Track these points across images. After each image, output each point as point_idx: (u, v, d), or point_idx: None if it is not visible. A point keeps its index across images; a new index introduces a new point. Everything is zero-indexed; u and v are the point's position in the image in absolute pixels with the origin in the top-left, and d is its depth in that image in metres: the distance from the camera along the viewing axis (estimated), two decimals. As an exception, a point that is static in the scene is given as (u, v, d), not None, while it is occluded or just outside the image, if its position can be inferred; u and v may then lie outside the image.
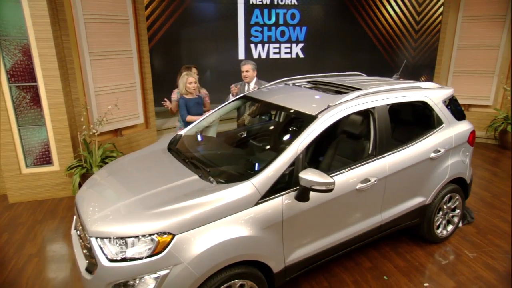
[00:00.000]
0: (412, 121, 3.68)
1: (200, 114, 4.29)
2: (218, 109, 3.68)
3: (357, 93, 2.98)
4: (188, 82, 4.22)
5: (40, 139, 4.61)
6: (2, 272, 3.28)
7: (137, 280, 2.19)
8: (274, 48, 8.62)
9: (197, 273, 2.21)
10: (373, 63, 9.45)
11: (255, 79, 4.58)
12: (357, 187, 2.82)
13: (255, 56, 8.48)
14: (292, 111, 2.99)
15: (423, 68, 9.39)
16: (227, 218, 2.33)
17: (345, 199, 2.80)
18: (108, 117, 4.91)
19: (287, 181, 2.54)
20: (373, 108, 3.01)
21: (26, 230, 4.00)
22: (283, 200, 2.50)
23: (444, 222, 3.68)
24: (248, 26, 8.26)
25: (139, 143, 5.86)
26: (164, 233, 2.20)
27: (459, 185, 3.66)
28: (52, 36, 4.28)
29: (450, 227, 3.76)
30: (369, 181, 2.88)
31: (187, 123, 4.16)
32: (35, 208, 4.50)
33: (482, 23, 7.05)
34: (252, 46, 8.43)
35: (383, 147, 3.03)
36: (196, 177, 2.63)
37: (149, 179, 2.75)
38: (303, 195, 2.49)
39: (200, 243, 2.23)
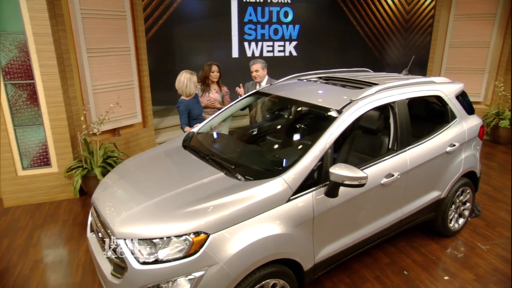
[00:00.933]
0: (427, 115, 3.69)
1: (200, 113, 4.17)
2: (230, 106, 3.60)
3: (378, 87, 2.96)
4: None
5: (38, 139, 4.39)
6: (9, 279, 3.09)
7: (170, 282, 2.09)
8: (268, 46, 8.58)
9: (233, 273, 2.12)
10: (364, 61, 9.54)
11: (266, 78, 4.46)
12: (381, 182, 2.80)
13: (249, 54, 8.42)
14: (315, 106, 2.94)
15: (413, 66, 9.53)
16: (260, 216, 2.25)
17: (371, 194, 2.78)
18: (109, 115, 4.72)
19: (316, 177, 2.49)
20: (394, 102, 3.00)
21: (27, 235, 3.80)
22: (313, 196, 2.44)
23: (456, 215, 3.72)
24: (241, 24, 8.19)
25: (137, 142, 5.69)
26: (199, 232, 2.10)
27: (470, 179, 3.70)
28: (51, 31, 4.09)
29: (461, 221, 3.80)
30: (393, 175, 2.87)
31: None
32: (33, 212, 4.28)
33: (473, 21, 7.21)
34: (246, 44, 8.36)
35: (404, 142, 3.02)
36: (221, 174, 2.54)
37: (172, 178, 2.65)
38: (333, 191, 2.45)
39: (235, 242, 2.15)
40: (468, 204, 3.81)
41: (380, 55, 9.70)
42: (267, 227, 2.25)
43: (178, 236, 2.10)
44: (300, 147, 2.83)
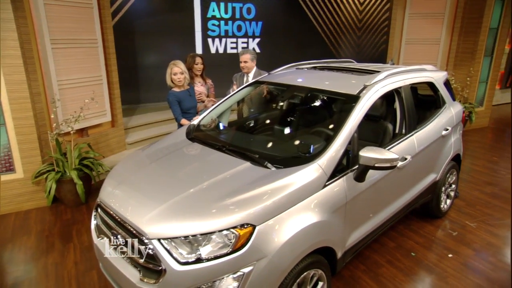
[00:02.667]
0: (421, 102, 3.82)
1: (195, 106, 3.95)
2: (230, 96, 3.43)
3: (386, 72, 2.99)
4: (173, 73, 3.78)
5: (-2, 141, 3.82)
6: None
7: (217, 282, 1.90)
8: (232, 43, 8.44)
9: (283, 266, 1.99)
10: (322, 57, 9.77)
11: (254, 69, 4.36)
12: (398, 165, 2.83)
13: (213, 51, 8.22)
14: (330, 92, 2.89)
15: (372, 62, 10.02)
16: (300, 204, 2.14)
17: (390, 178, 2.80)
18: (77, 114, 4.25)
19: (345, 163, 2.45)
20: (400, 87, 3.06)
21: (-3, 251, 3.28)
22: (344, 182, 2.39)
23: (445, 197, 3.92)
24: (204, 19, 7.96)
25: (107, 143, 5.23)
26: (244, 225, 1.93)
27: (455, 161, 3.93)
28: (13, 16, 3.58)
29: (448, 202, 4.01)
30: (406, 159, 2.92)
31: (179, 124, 3.80)
32: (-3, 225, 3.72)
33: (426, 20, 7.75)
34: (210, 40, 8.15)
35: (411, 126, 3.10)
36: (247, 164, 2.38)
37: (192, 172, 2.43)
38: (362, 175, 2.42)
39: (281, 232, 2.01)
40: (453, 186, 4.04)
41: (337, 52, 10.03)
42: (308, 215, 2.15)
43: (222, 231, 1.92)
44: (325, 133, 2.75)
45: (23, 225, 3.74)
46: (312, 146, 2.50)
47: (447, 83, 3.84)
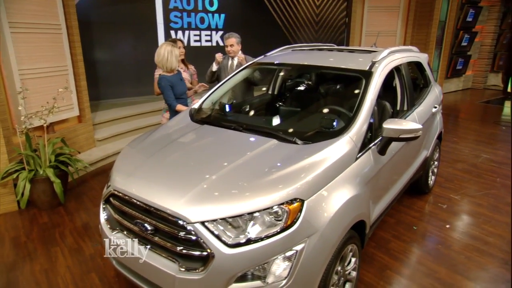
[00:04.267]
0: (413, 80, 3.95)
1: (185, 91, 3.72)
2: (228, 79, 3.27)
3: (388, 50, 3.04)
4: (177, 54, 3.56)
5: (-45, 138, 3.28)
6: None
7: (269, 264, 1.76)
8: (195, 35, 8.17)
9: (333, 240, 1.93)
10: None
11: (239, 53, 4.24)
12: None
13: (176, 43, 7.88)
14: (341, 69, 2.86)
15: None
16: (339, 177, 2.09)
17: (403, 152, 2.85)
18: (53, 103, 3.81)
19: (368, 136, 2.44)
20: (401, 65, 3.14)
21: (-32, 263, 2.80)
22: (370, 155, 2.38)
23: (431, 173, 4.11)
24: (166, 10, 7.62)
25: (74, 140, 4.76)
26: (293, 200, 1.82)
27: (438, 139, 4.14)
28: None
29: (433, 178, 4.22)
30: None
31: (173, 112, 3.53)
32: (-41, 236, 3.19)
33: (383, 13, 8.15)
34: (172, 32, 7.81)
35: (412, 102, 3.19)
36: (273, 141, 2.27)
37: (218, 151, 2.28)
38: (385, 147, 2.44)
39: (327, 206, 1.94)
40: (436, 163, 4.25)
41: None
42: (347, 188, 2.09)
43: (270, 208, 1.79)
44: (346, 107, 2.72)
45: (-8, 233, 3.25)
46: (336, 121, 2.45)
47: (428, 64, 4.03)
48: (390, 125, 2.33)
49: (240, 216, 1.77)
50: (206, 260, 1.75)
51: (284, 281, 1.78)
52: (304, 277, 1.82)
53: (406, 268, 2.83)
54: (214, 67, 4.19)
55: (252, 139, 2.35)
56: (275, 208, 1.79)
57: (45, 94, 4.09)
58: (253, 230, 1.77)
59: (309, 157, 2.05)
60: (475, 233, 3.33)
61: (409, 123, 2.35)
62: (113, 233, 2.12)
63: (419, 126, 2.36)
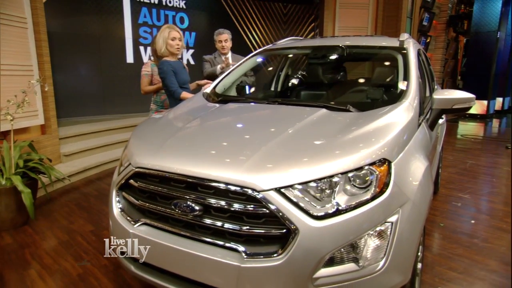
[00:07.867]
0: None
1: (187, 81, 3.31)
2: (239, 65, 2.93)
3: (406, 34, 2.90)
4: (171, 37, 3.16)
5: None
6: None
7: (363, 240, 1.37)
8: (165, 53, 7.79)
9: (424, 210, 1.61)
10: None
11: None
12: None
13: (145, 59, 7.44)
14: (371, 47, 2.66)
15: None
16: (411, 144, 1.77)
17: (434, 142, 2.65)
18: (23, 97, 3.17)
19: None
20: (419, 49, 3.00)
21: None
22: (425, 127, 2.13)
23: (440, 170, 3.98)
24: (135, 25, 7.22)
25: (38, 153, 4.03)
26: (381, 161, 1.47)
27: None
28: None
29: (439, 177, 4.08)
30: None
31: (174, 102, 3.08)
32: None
33: (354, 10, 8.31)
34: (142, 48, 7.39)
35: (431, 88, 3.05)
36: (324, 110, 1.93)
37: (262, 121, 1.90)
38: (435, 121, 2.23)
39: (412, 172, 1.61)
40: (440, 163, 4.14)
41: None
42: (420, 156, 1.79)
43: (359, 169, 1.42)
44: (391, 79, 2.47)
45: None
46: (383, 91, 2.19)
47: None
48: (442, 95, 2.12)
49: (323, 179, 1.38)
50: (284, 239, 1.32)
51: (381, 263, 1.39)
52: (400, 256, 1.44)
53: (455, 264, 2.54)
54: (218, 70, 3.83)
55: (299, 109, 2.00)
56: (365, 169, 1.43)
57: (4, 95, 3.44)
58: (341, 198, 1.38)
59: (378, 119, 1.74)
60: (502, 225, 3.16)
61: (462, 92, 2.15)
62: (136, 225, 1.60)
63: (473, 95, 2.17)
